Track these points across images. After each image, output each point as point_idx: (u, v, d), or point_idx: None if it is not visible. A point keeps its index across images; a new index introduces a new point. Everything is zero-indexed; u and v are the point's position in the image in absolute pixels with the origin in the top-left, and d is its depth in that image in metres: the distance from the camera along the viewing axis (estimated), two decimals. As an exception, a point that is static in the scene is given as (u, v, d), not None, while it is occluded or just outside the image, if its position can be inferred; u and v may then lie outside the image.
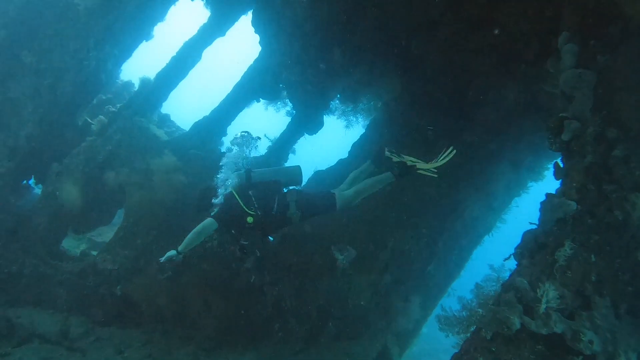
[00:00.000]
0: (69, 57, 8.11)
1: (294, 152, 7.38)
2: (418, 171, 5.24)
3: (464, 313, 3.86)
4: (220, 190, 5.24)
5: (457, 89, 5.95)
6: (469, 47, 5.39)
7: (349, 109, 7.62)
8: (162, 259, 5.01)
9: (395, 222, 6.83)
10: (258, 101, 7.20)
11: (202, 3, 8.08)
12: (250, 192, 5.20)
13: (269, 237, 6.00)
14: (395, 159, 5.38)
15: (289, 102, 7.44)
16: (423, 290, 6.82)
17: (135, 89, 8.62)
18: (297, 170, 5.63)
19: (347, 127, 7.83)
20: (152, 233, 7.33)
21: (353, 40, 6.28)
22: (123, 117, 7.78)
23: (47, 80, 8.08)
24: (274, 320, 7.15)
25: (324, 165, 7.18)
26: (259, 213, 5.08)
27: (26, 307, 7.16)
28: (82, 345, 6.82)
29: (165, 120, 8.12)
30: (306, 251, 6.92)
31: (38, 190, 8.42)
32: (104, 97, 9.03)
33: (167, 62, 7.90)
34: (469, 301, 3.81)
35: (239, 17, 7.72)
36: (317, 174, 7.21)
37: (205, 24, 7.73)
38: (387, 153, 5.54)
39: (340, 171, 6.88)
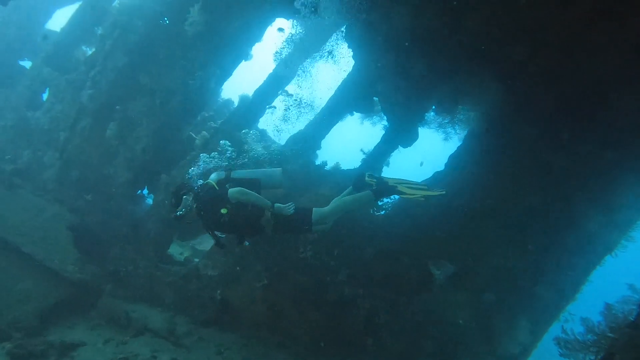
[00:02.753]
0: (178, 78, 9.06)
1: (388, 164, 7.45)
2: (402, 195, 5.41)
3: (589, 336, 3.61)
4: (195, 184, 5.72)
5: (570, 94, 5.62)
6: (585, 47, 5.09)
7: (446, 120, 7.52)
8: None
9: (497, 236, 6.56)
10: (352, 114, 7.41)
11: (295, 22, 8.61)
12: (227, 185, 5.44)
13: (245, 242, 6.01)
14: (374, 184, 5.51)
15: (384, 116, 7.55)
16: (531, 312, 6.42)
17: (235, 106, 9.34)
18: (277, 173, 5.87)
19: (445, 139, 7.73)
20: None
21: (451, 49, 6.25)
22: (223, 132, 8.45)
23: (159, 100, 9.09)
24: (367, 335, 7.19)
25: (419, 178, 7.15)
26: (234, 204, 5.21)
27: (140, 303, 8.02)
28: (186, 342, 7.45)
29: (263, 135, 8.68)
30: (401, 265, 6.90)
31: (150, 199, 9.43)
32: (206, 114, 9.90)
33: (264, 79, 8.49)
34: (597, 324, 3.55)
35: (333, 33, 8.05)
36: (412, 186, 7.18)
37: (298, 40, 8.18)
38: (367, 178, 5.56)
39: (435, 185, 6.80)
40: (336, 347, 7.27)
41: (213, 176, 5.70)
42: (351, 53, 7.16)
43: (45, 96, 10.58)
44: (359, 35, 6.66)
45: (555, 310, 6.34)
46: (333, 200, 5.77)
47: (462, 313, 6.93)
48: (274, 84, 8.43)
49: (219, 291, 7.66)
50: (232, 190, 5.18)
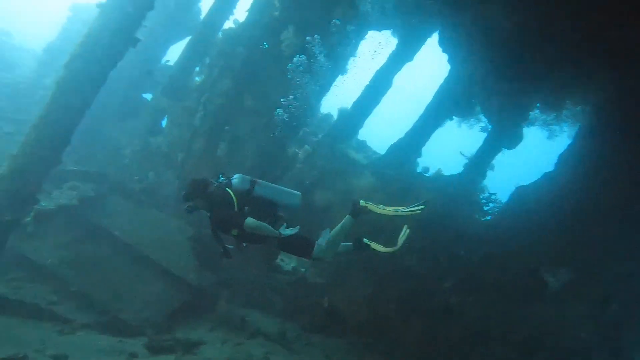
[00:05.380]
0: (279, 97, 9.96)
1: (492, 168, 7.47)
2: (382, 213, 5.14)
3: None
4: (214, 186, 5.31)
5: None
6: None
7: (551, 117, 7.37)
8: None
9: (620, 239, 6.24)
10: (451, 119, 7.59)
11: (388, 33, 9.06)
12: (246, 208, 5.25)
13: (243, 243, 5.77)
14: (371, 208, 5.20)
15: (482, 118, 7.62)
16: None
17: (334, 120, 9.99)
18: (296, 197, 5.59)
19: (549, 138, 7.56)
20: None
21: (553, 42, 6.16)
22: (325, 145, 9.09)
23: (263, 119, 10.05)
24: (477, 345, 7.15)
25: (526, 180, 7.07)
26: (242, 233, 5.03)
27: (253, 308, 8.80)
28: (296, 347, 8.02)
29: (362, 145, 9.18)
30: (512, 272, 6.82)
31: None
32: (307, 129, 10.68)
33: (361, 92, 9.01)
34: None
35: (426, 41, 8.36)
36: (520, 190, 7.11)
37: (393, 52, 8.60)
38: (361, 202, 5.32)
39: (546, 186, 6.68)
40: (443, 357, 7.32)
41: (237, 183, 5.30)
42: (446, 57, 7.39)
43: (164, 123, 12.17)
44: (454, 39, 6.89)
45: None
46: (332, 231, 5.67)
47: (584, 325, 6.63)
48: (372, 96, 8.89)
49: (326, 298, 8.14)
50: (249, 222, 5.05)
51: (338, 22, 8.78)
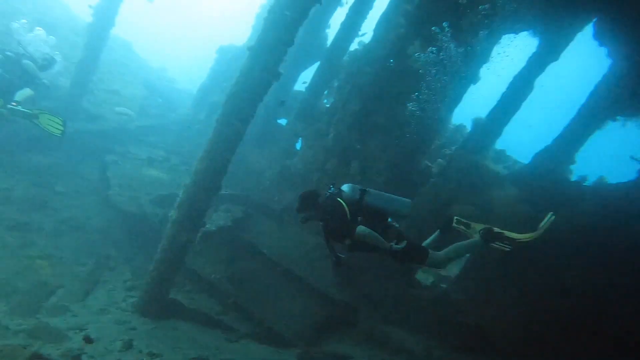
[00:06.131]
0: (408, 112, 10.04)
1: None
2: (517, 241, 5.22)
3: None
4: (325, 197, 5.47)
5: None
6: None
7: None
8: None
9: None
10: (614, 120, 6.84)
11: (527, 34, 8.56)
12: (359, 218, 5.29)
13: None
14: (463, 228, 5.37)
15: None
16: None
17: (468, 130, 9.72)
18: (407, 205, 5.55)
19: None
20: (496, 266, 7.87)
21: None
22: (460, 157, 8.88)
23: (394, 134, 10.22)
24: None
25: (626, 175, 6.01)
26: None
27: (395, 324, 8.89)
28: (446, 367, 7.88)
29: (501, 155, 8.77)
30: None
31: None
32: (438, 142, 10.58)
33: (498, 99, 8.63)
34: None
35: (575, 36, 7.70)
36: None
37: (535, 53, 8.09)
38: (454, 223, 5.45)
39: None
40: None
41: (347, 191, 5.46)
42: (605, 51, 6.72)
43: (298, 145, 13.11)
44: (615, 30, 6.23)
45: None
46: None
47: None
48: (511, 102, 8.47)
49: (472, 316, 7.87)
50: (360, 230, 5.17)
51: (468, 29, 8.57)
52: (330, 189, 5.64)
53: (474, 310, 7.97)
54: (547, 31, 7.70)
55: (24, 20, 9.92)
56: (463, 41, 8.79)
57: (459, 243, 5.67)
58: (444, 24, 8.21)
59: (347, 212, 5.28)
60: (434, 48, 8.99)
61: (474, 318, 7.92)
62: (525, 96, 8.38)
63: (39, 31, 9.88)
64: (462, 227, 5.70)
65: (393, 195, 5.67)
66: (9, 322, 6.59)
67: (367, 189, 5.46)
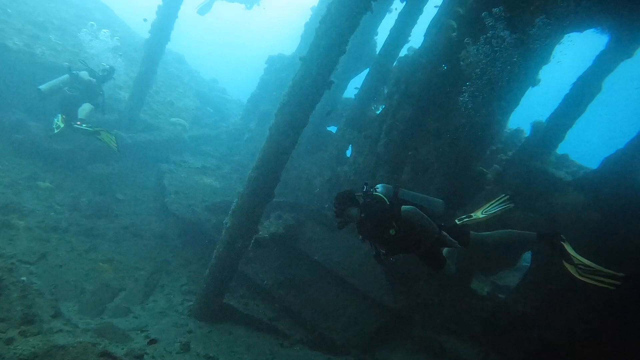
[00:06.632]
0: (462, 117, 9.79)
1: None
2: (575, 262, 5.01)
3: None
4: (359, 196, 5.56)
5: None
6: None
7: None
8: None
9: None
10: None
11: (591, 31, 8.11)
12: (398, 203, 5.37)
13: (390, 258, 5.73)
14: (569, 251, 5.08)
15: None
16: None
17: (526, 135, 9.33)
18: (440, 205, 5.68)
19: None
20: (559, 276, 7.46)
21: None
22: (518, 163, 8.54)
23: (446, 140, 9.99)
24: None
25: None
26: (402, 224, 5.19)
27: (451, 334, 8.65)
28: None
29: (563, 160, 8.35)
30: None
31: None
32: (494, 148, 10.23)
33: (561, 101, 8.24)
34: None
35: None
36: None
37: (604, 51, 7.67)
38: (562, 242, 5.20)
39: None
40: None
41: (381, 189, 5.65)
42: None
43: (349, 152, 13.12)
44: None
45: None
46: (505, 230, 5.86)
47: None
48: (576, 104, 8.05)
49: (536, 329, 7.51)
50: (406, 208, 5.21)
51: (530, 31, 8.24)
52: (364, 188, 5.77)
53: (537, 323, 7.59)
54: (617, 26, 7.26)
55: (92, 23, 10.67)
56: (519, 40, 8.48)
57: (512, 231, 5.81)
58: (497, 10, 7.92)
59: (385, 199, 5.43)
60: (486, 44, 8.70)
61: (538, 331, 7.54)
62: (592, 97, 7.93)
63: (105, 33, 10.64)
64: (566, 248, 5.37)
65: (425, 196, 5.85)
66: (78, 321, 7.01)
67: (400, 188, 5.66)
